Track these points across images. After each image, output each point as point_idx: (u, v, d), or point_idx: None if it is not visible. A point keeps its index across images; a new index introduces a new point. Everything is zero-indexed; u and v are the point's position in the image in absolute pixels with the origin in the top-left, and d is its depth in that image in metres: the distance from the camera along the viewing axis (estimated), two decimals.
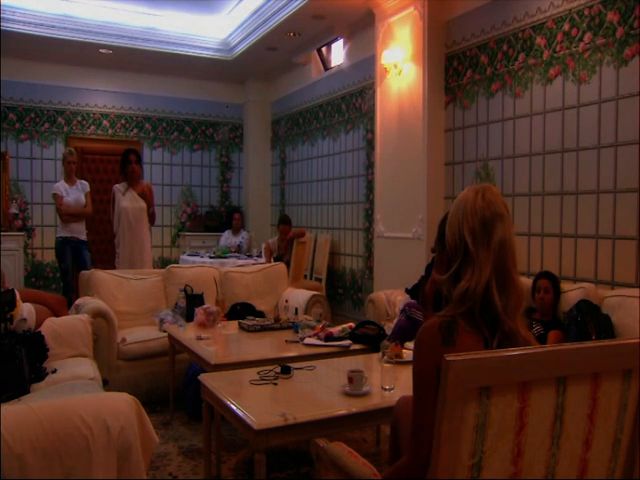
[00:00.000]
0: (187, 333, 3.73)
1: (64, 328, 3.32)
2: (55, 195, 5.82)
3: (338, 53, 7.28)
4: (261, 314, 4.33)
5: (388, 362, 2.90)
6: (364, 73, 6.35)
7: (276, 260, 6.10)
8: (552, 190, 4.14)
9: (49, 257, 7.58)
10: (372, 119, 5.99)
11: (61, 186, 5.87)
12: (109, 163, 8.17)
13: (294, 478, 3.00)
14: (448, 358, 1.19)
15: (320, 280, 6.87)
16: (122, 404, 1.75)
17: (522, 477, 1.32)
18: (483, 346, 1.49)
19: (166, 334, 3.93)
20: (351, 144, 6.73)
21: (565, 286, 3.68)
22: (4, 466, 1.48)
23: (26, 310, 3.21)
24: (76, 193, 5.87)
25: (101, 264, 6.28)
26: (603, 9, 3.77)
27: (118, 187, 5.44)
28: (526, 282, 3.85)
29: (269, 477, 2.95)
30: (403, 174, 5.32)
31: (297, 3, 5.98)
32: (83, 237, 5.93)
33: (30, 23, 6.80)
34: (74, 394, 2.49)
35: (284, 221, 6.65)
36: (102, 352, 3.86)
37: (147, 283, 4.65)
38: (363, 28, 6.27)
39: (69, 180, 5.91)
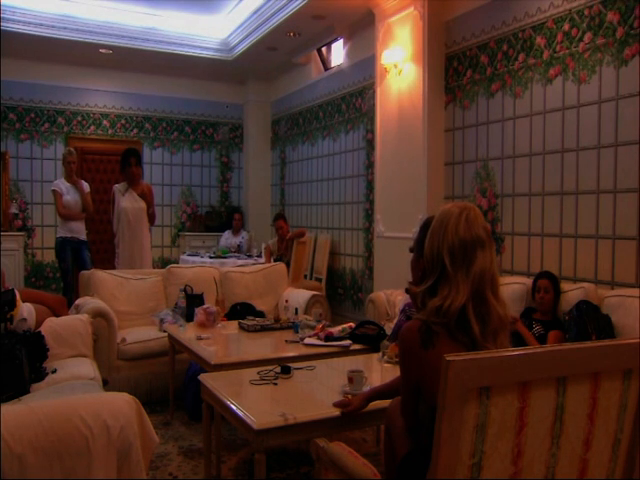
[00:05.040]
0: (187, 333, 3.73)
1: (64, 328, 3.32)
2: (55, 192, 5.82)
3: (338, 53, 7.28)
4: (261, 314, 4.33)
5: (388, 362, 2.91)
6: (364, 73, 6.35)
7: (276, 261, 6.11)
8: (552, 190, 4.14)
9: (49, 257, 7.59)
10: (372, 119, 5.99)
11: (61, 184, 5.86)
12: (109, 163, 8.17)
13: (294, 478, 3.00)
14: (448, 358, 1.19)
15: (320, 280, 6.87)
16: (122, 404, 1.75)
17: (522, 477, 1.32)
18: (464, 351, 1.50)
19: (166, 334, 3.92)
20: (351, 144, 6.73)
21: (565, 286, 3.68)
22: (4, 466, 1.48)
23: (26, 310, 3.21)
24: (76, 193, 5.87)
25: (101, 264, 6.28)
26: (603, 9, 3.77)
27: (118, 187, 5.43)
28: (526, 282, 3.86)
29: (269, 477, 2.95)
30: (403, 174, 5.32)
31: (297, 3, 5.98)
32: (83, 237, 5.93)
33: (30, 23, 6.79)
34: (74, 394, 2.49)
35: (277, 217, 6.80)
36: (102, 352, 3.85)
37: (147, 283, 4.65)
38: (363, 28, 6.27)
39: (69, 180, 5.90)
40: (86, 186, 5.97)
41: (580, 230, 3.95)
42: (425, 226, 1.75)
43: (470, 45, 4.86)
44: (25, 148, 7.80)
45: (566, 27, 4.02)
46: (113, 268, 5.20)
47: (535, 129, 4.27)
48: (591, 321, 3.26)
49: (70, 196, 5.82)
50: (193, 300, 4.30)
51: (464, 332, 1.53)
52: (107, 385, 3.37)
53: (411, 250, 1.92)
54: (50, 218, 7.60)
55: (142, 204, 5.39)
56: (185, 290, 4.39)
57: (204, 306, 3.99)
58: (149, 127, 8.55)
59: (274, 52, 7.50)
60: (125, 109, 8.38)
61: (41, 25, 6.85)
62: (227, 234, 8.12)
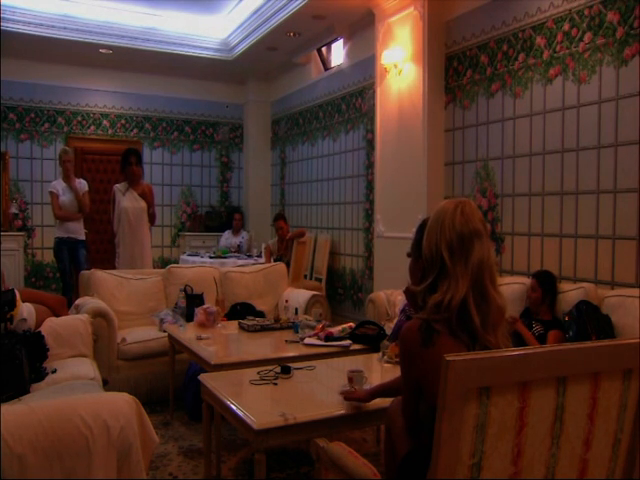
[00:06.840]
0: (187, 333, 3.73)
1: (64, 328, 3.32)
2: (52, 193, 5.82)
3: (338, 53, 7.27)
4: (261, 314, 4.33)
5: (388, 362, 2.91)
6: (364, 73, 6.35)
7: (276, 261, 6.11)
8: (552, 190, 4.14)
9: (49, 257, 7.57)
10: (372, 119, 5.99)
11: (58, 185, 5.86)
12: (109, 163, 8.17)
13: (294, 478, 3.00)
14: (448, 358, 1.19)
15: (320, 280, 6.86)
16: (122, 404, 1.75)
17: (522, 477, 1.32)
18: (465, 350, 1.50)
19: (166, 334, 3.92)
20: (351, 144, 6.73)
21: (565, 286, 3.68)
22: (4, 466, 1.48)
23: (26, 310, 3.21)
24: (71, 193, 5.85)
25: (101, 264, 6.27)
26: (603, 9, 3.77)
27: (118, 187, 5.43)
28: (526, 282, 3.86)
29: (269, 477, 2.95)
30: (403, 174, 5.32)
31: (297, 3, 5.98)
32: (81, 237, 5.92)
33: (30, 23, 6.79)
34: (74, 394, 2.49)
35: (277, 217, 6.80)
36: (102, 352, 3.85)
37: (147, 283, 4.64)
38: (363, 28, 6.27)
39: (67, 179, 5.89)
40: (84, 185, 5.95)
41: (580, 230, 3.95)
42: (421, 228, 1.75)
43: (470, 45, 4.86)
44: (25, 148, 7.80)
45: (566, 27, 4.02)
46: (113, 268, 5.20)
47: (535, 129, 4.27)
48: (591, 321, 3.26)
49: (66, 197, 5.81)
50: (193, 300, 4.30)
51: (465, 328, 1.53)
52: (107, 385, 3.37)
53: (409, 255, 1.91)
54: (50, 218, 7.54)
55: (142, 204, 5.39)
56: (185, 290, 4.39)
57: (204, 306, 3.99)
58: (149, 127, 8.55)
59: (274, 52, 7.50)
60: (125, 109, 8.38)
61: (41, 25, 6.85)
62: (227, 234, 8.12)
